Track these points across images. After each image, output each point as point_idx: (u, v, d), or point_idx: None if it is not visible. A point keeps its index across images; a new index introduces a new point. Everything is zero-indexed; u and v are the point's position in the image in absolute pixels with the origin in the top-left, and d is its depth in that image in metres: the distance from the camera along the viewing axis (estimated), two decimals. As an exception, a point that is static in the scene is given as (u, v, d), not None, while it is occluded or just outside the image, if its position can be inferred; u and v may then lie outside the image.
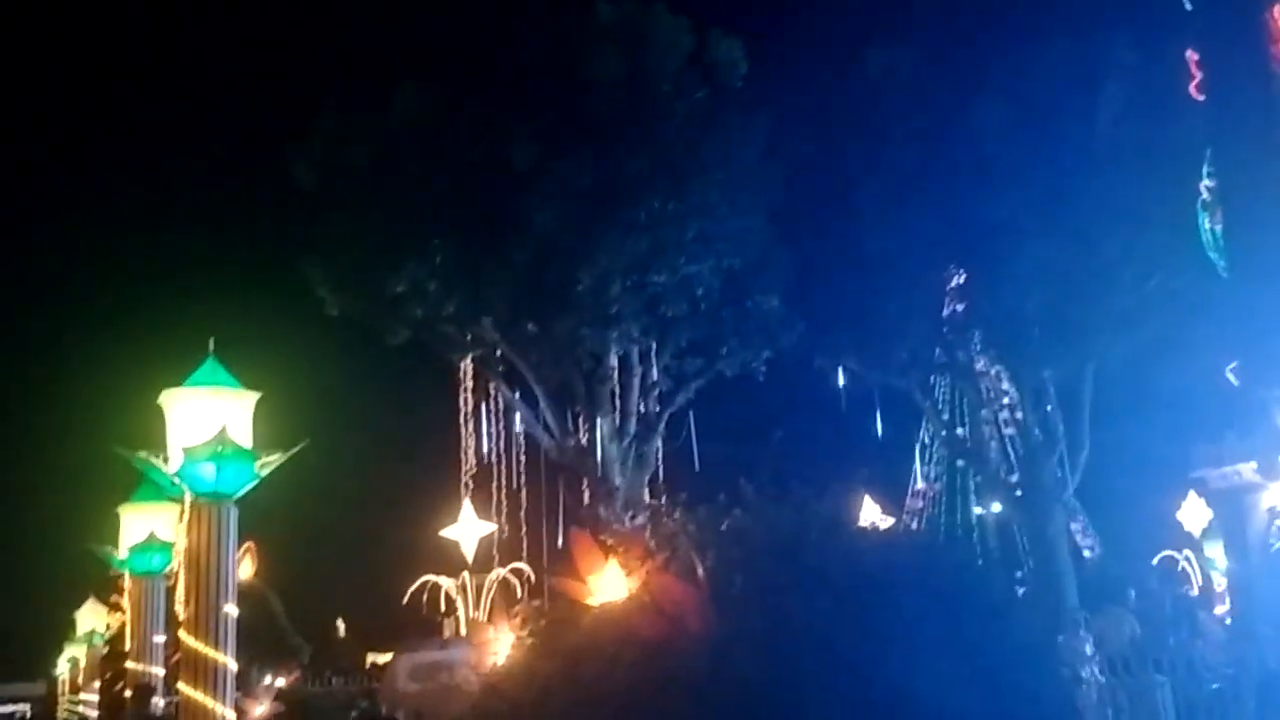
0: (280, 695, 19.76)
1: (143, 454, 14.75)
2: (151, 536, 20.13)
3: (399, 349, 26.32)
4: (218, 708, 13.87)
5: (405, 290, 24.62)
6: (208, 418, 14.35)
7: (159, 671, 19.50)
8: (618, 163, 23.75)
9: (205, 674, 13.92)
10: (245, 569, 19.36)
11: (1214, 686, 14.65)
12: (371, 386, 32.75)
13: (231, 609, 14.24)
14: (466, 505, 24.20)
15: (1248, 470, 19.88)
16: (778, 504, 14.88)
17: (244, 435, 14.80)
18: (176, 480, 14.51)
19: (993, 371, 31.05)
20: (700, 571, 13.97)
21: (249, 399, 15.03)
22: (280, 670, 19.92)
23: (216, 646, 13.97)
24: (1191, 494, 24.84)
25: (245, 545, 19.50)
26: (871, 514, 23.77)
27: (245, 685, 17.22)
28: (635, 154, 23.88)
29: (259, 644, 17.87)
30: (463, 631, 22.18)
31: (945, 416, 34.13)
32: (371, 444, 33.31)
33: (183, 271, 41.97)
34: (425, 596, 23.88)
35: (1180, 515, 27.21)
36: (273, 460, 14.99)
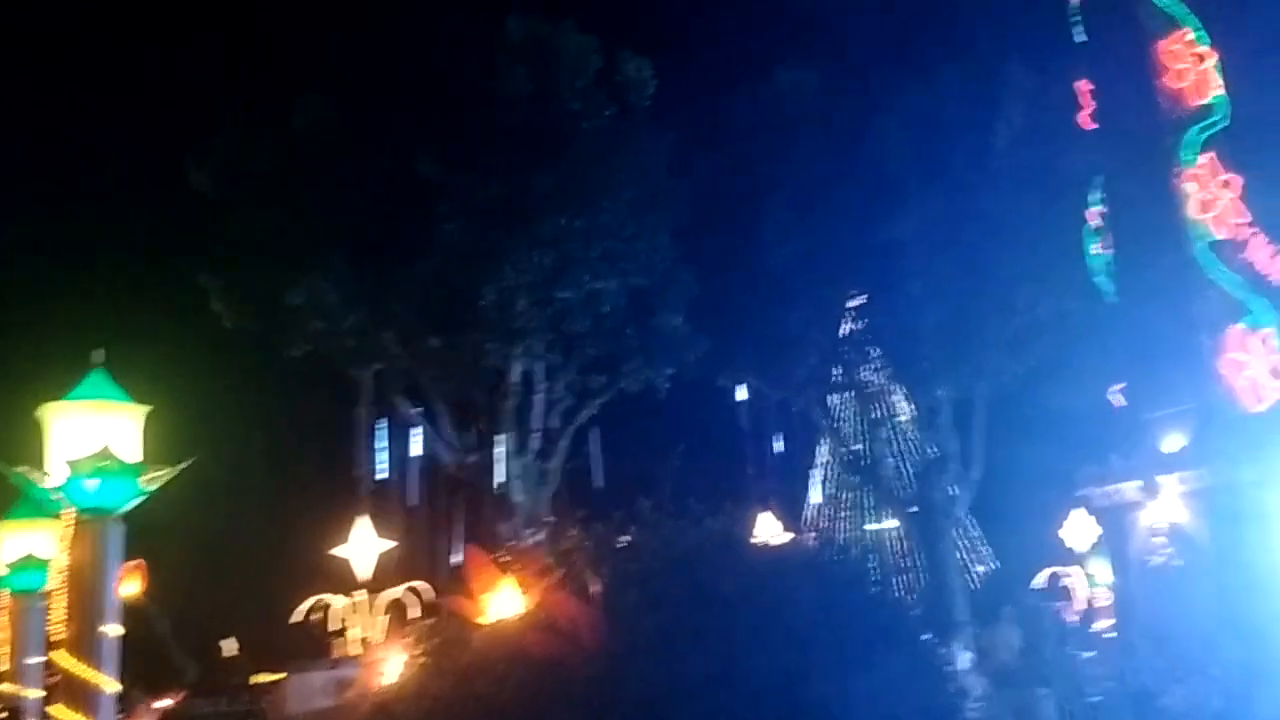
0: (165, 716, 19.27)
1: (22, 469, 14.30)
2: (29, 555, 19.51)
3: (298, 362, 25.85)
4: (95, 730, 13.47)
5: (304, 302, 24.21)
6: (92, 432, 13.98)
7: (36, 694, 18.84)
8: (525, 178, 23.66)
9: (83, 696, 13.52)
10: (133, 587, 18.87)
11: (1094, 699, 15.05)
12: (269, 400, 32.12)
13: (113, 629, 13.85)
14: (361, 522, 23.81)
15: (1130, 489, 20.53)
16: (675, 520, 14.96)
17: (132, 450, 14.44)
18: (57, 496, 14.10)
19: (889, 390, 31.60)
20: (595, 588, 13.99)
21: (138, 413, 14.67)
22: (165, 690, 19.43)
23: (97, 667, 13.58)
24: (1076, 511, 25.52)
25: (134, 563, 19.00)
26: (768, 530, 24.02)
27: (128, 705, 16.77)
28: (542, 170, 23.82)
29: (144, 663, 17.41)
30: (355, 651, 21.80)
31: (842, 434, 34.62)
32: (267, 459, 32.65)
33: (69, 280, 40.51)
34: (317, 615, 23.43)
35: (1064, 533, 27.90)
36: (160, 475, 14.65)
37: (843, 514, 40.15)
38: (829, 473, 41.08)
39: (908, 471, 31.77)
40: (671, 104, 26.44)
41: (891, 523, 31.72)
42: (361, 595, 22.83)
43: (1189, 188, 22.62)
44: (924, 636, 14.01)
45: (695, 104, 28.12)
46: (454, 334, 25.00)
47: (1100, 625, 21.21)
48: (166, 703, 19.35)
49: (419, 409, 27.12)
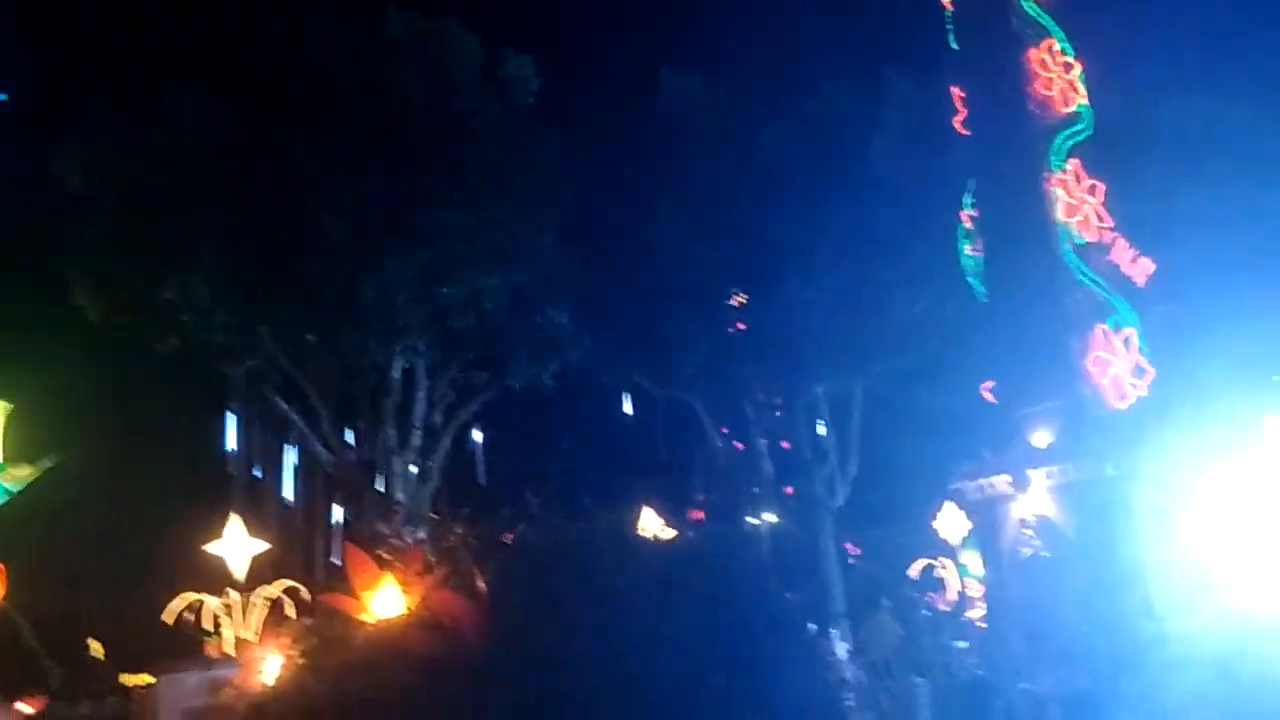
0: (27, 722, 18.54)
1: None
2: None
3: (169, 358, 25.09)
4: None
5: (174, 297, 23.54)
6: (-50, 428, 13.36)
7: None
8: (407, 174, 23.38)
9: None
10: (-9, 589, 18.10)
11: (966, 686, 15.49)
12: (138, 397, 31.07)
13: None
14: (234, 520, 23.21)
15: (1001, 483, 21.15)
16: (561, 516, 14.92)
17: (-9, 447, 13.84)
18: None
19: (770, 387, 32.02)
20: (480, 585, 13.87)
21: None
22: (27, 695, 18.67)
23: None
24: (948, 504, 26.18)
25: (-6, 564, 18.22)
26: (652, 525, 24.12)
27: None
28: (426, 166, 23.56)
29: (4, 668, 16.72)
30: (230, 651, 21.26)
31: (725, 430, 34.98)
32: (135, 457, 31.56)
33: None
34: (190, 615, 22.76)
35: (936, 524, 28.56)
36: (23, 475, 14.08)
37: (725, 509, 40.56)
38: (712, 468, 41.43)
39: (787, 467, 32.24)
40: (559, 104, 26.40)
41: (771, 517, 32.18)
42: (235, 595, 22.25)
43: (1056, 192, 23.37)
44: (806, 628, 14.24)
45: (583, 105, 28.11)
46: (333, 331, 24.58)
47: (972, 614, 21.81)
48: (28, 709, 18.57)
49: (295, 406, 26.58)
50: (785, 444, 32.15)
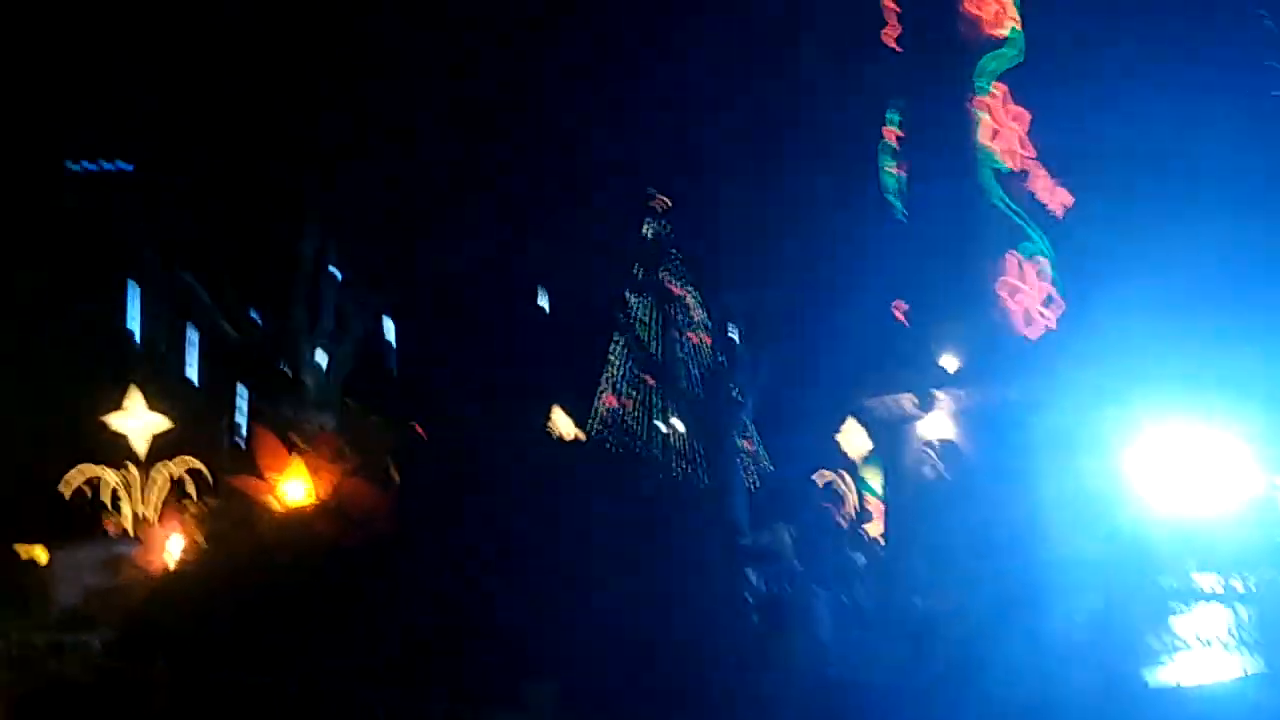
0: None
1: None
2: None
3: (68, 214, 24.16)
4: None
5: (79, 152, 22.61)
6: None
7: None
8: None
9: None
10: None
11: (866, 601, 15.93)
12: (32, 255, 29.88)
13: None
14: (134, 392, 22.60)
15: (907, 402, 21.47)
16: (475, 409, 14.85)
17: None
18: None
19: (684, 294, 32.11)
20: (393, 475, 13.80)
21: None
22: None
23: None
24: (851, 419, 26.59)
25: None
26: (562, 425, 24.16)
27: None
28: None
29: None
30: (129, 529, 20.88)
31: (638, 334, 35.03)
32: (33, 326, 30.50)
33: None
34: (86, 490, 22.26)
35: (840, 438, 29.08)
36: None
37: (634, 413, 40.96)
38: (624, 371, 41.65)
39: (697, 374, 32.48)
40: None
41: (679, 424, 32.48)
42: (135, 471, 21.81)
43: (980, 115, 23.41)
44: (711, 536, 14.46)
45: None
46: (244, 203, 23.88)
47: (871, 530, 22.31)
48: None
49: (200, 280, 25.79)
50: (695, 352, 32.39)
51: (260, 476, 14.65)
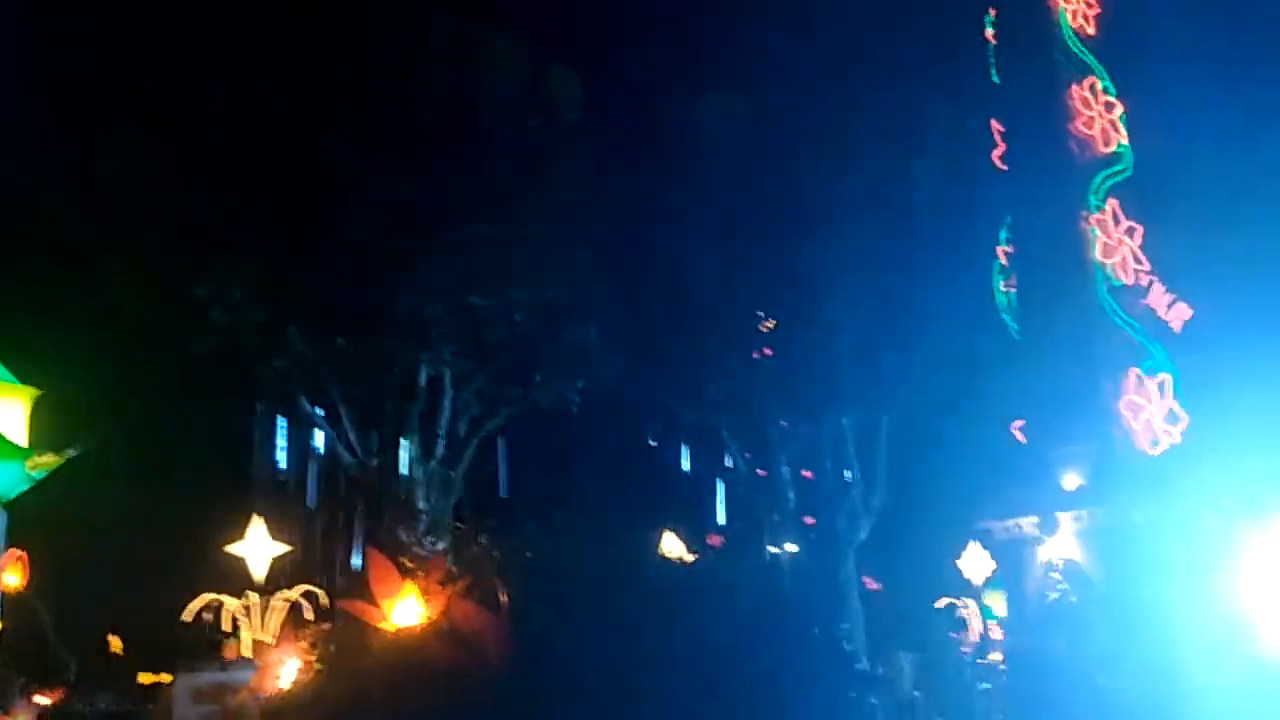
0: (44, 714, 18.51)
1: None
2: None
3: (201, 356, 25.14)
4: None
5: (208, 295, 23.61)
6: (-26, 414, 13.29)
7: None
8: (444, 181, 23.45)
9: (-42, 690, 12.89)
10: (13, 578, 18.10)
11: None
12: (167, 391, 31.20)
13: (-7, 621, 13.21)
14: (256, 522, 23.20)
15: (1029, 524, 20.96)
16: (585, 534, 14.85)
17: (17, 434, 13.82)
18: (-60, 480, 13.41)
19: (796, 416, 31.79)
20: (504, 598, 13.79)
21: (25, 395, 14.04)
22: (45, 687, 18.66)
23: (-26, 661, 12.95)
24: (973, 544, 25.94)
25: (14, 554, 18.24)
26: (674, 548, 23.94)
27: (7, 700, 16.09)
28: (463, 174, 23.63)
29: (23, 658, 16.71)
30: (247, 653, 21.22)
31: (749, 457, 34.78)
32: (161, 451, 31.67)
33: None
34: (209, 615, 22.78)
35: (961, 564, 28.36)
36: (46, 462, 14.01)
37: (746, 536, 40.36)
38: (734, 495, 41.29)
39: (810, 498, 32.00)
40: (598, 118, 26.45)
41: (792, 547, 31.91)
42: (255, 597, 22.23)
43: (1094, 232, 23.24)
44: (827, 662, 14.11)
45: (622, 120, 28.18)
46: (362, 335, 24.57)
47: (994, 657, 21.54)
48: (45, 700, 18.57)
49: (322, 409, 26.58)
50: (808, 474, 31.92)
51: (374, 600, 14.78)
